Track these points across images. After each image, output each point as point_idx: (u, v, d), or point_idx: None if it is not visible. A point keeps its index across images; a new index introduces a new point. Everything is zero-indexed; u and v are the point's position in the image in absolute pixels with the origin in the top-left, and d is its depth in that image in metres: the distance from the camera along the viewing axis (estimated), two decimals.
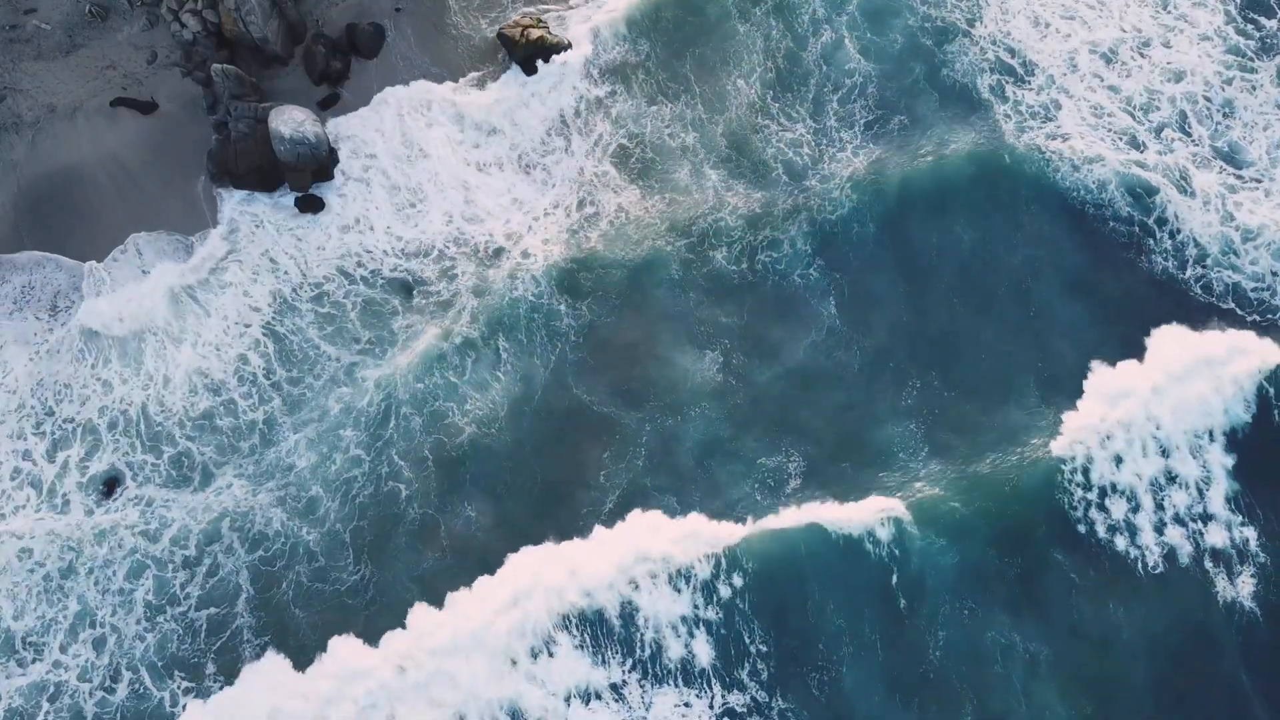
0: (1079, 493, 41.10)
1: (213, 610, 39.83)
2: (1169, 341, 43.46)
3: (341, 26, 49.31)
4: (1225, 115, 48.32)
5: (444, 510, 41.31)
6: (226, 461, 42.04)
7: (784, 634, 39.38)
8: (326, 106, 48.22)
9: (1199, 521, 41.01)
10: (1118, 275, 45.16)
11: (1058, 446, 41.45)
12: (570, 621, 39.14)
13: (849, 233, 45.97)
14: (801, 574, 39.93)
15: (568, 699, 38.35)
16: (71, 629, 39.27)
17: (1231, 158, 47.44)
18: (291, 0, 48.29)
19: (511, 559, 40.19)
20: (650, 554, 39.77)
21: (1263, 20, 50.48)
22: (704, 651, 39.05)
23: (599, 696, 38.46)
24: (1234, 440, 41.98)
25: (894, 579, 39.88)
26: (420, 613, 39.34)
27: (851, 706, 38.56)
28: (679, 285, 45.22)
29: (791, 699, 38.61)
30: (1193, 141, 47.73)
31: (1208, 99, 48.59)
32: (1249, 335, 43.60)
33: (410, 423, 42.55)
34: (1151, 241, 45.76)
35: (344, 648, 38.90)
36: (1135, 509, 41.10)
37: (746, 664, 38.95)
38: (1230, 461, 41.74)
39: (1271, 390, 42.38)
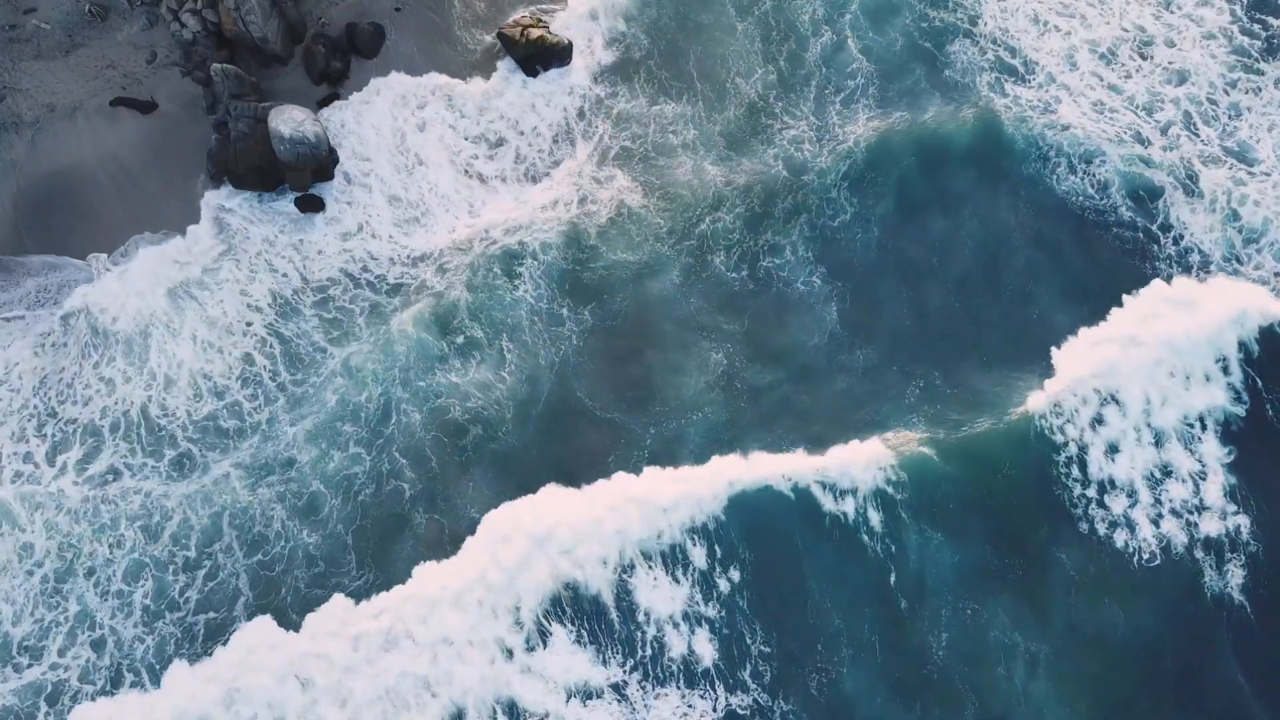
0: (1072, 475, 41.16)
1: (211, 615, 39.59)
2: (1157, 313, 43.59)
3: (341, 26, 49.20)
4: (1231, 116, 48.14)
5: (448, 513, 41.11)
6: (227, 459, 41.99)
7: (779, 604, 39.53)
8: (326, 106, 48.10)
9: (1194, 513, 40.95)
10: (1119, 275, 45.08)
11: (1045, 414, 41.51)
12: (564, 611, 39.07)
13: (851, 238, 46.02)
14: (795, 539, 40.12)
15: (567, 699, 38.32)
16: (71, 631, 39.07)
17: (1242, 156, 47.26)
18: (291, 0, 48.17)
19: (489, 518, 39.96)
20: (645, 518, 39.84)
21: (1270, 20, 50.29)
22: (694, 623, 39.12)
23: (599, 695, 38.43)
24: (1226, 420, 42.27)
25: (891, 548, 40.05)
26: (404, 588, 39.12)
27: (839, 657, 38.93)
28: (681, 288, 45.10)
29: (790, 672, 38.66)
30: (1200, 140, 47.59)
31: (1212, 100, 48.39)
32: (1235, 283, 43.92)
33: (410, 419, 42.37)
34: (1155, 247, 45.65)
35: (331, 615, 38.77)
36: (1132, 495, 41.10)
37: (740, 648, 38.88)
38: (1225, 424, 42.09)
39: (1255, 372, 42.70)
